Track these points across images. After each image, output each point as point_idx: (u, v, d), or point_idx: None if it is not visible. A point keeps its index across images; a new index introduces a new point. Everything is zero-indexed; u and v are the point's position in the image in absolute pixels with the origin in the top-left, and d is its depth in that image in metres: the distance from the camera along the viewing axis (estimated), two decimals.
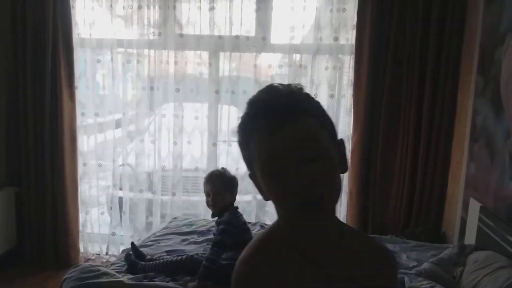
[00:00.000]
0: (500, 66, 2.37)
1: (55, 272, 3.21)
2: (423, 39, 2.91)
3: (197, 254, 2.27)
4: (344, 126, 3.23)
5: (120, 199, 3.52)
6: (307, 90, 3.07)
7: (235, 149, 3.37)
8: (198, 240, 2.55)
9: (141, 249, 2.34)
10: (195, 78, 3.40)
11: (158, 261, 2.19)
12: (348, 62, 3.16)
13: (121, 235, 3.53)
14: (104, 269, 2.03)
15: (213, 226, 2.77)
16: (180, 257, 2.19)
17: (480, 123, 2.59)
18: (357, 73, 3.07)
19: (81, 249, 3.49)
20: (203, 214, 3.48)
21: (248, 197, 3.43)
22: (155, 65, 3.33)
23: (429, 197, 3.06)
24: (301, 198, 0.70)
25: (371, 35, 2.98)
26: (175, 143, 3.38)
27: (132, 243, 2.36)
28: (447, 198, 3.07)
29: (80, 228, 3.47)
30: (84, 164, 3.47)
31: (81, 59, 3.40)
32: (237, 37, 3.22)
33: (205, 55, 3.33)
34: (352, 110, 3.13)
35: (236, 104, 3.36)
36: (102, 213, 3.60)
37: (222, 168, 2.34)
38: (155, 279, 2.04)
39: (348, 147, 3.19)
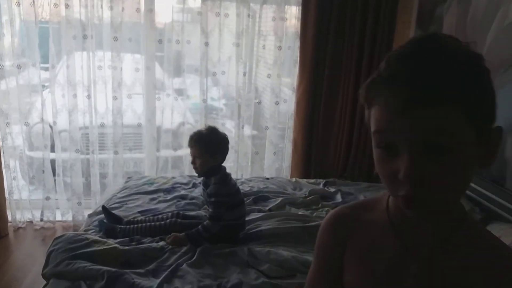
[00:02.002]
0: (441, 23, 2.65)
1: None
2: None
3: (177, 213, 2.22)
4: (290, 78, 3.32)
5: (53, 161, 3.19)
6: (254, 40, 3.06)
7: (180, 103, 3.27)
8: (167, 198, 2.49)
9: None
10: (134, 26, 3.13)
11: (140, 225, 2.10)
12: (295, 13, 3.20)
13: (56, 199, 3.24)
14: (92, 237, 1.89)
15: (176, 183, 2.73)
16: (163, 222, 2.12)
17: None
18: (303, 25, 3.14)
19: (9, 218, 3.13)
20: (147, 171, 3.36)
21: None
22: (87, 11, 2.97)
23: (364, 144, 3.36)
24: (404, 191, 0.61)
25: None
26: (114, 98, 3.13)
27: (104, 207, 2.22)
28: None
29: (7, 195, 3.09)
30: (7, 124, 3.04)
31: None
32: None
33: (144, 0, 3.06)
34: (298, 61, 3.22)
35: (180, 55, 3.20)
36: (14, 178, 3.16)
37: (209, 127, 2.10)
38: (143, 242, 1.97)
39: (293, 98, 3.32)
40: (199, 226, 2.01)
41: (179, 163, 3.44)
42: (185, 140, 3.06)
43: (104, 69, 3.10)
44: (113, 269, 1.70)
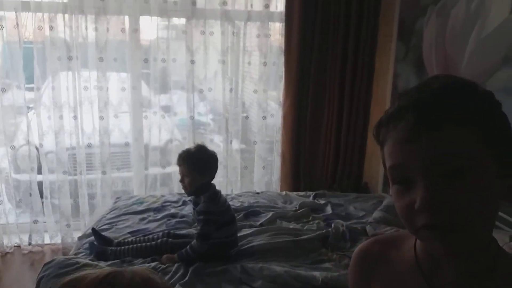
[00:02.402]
0: (421, 36, 2.72)
1: None
2: (346, 9, 3.14)
3: (168, 233, 2.22)
4: (276, 92, 3.36)
5: (40, 183, 3.16)
6: (240, 57, 3.09)
7: (168, 120, 3.27)
8: (157, 217, 2.48)
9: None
10: (119, 45, 3.14)
11: (131, 246, 2.09)
12: (279, 30, 3.25)
13: (45, 222, 3.20)
14: (83, 260, 1.87)
15: (166, 202, 2.72)
16: (154, 242, 2.11)
17: (401, 85, 2.95)
18: (287, 41, 3.19)
19: None
20: (136, 190, 3.34)
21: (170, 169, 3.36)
22: (71, 32, 2.97)
23: (351, 154, 3.41)
24: (424, 220, 0.59)
25: (300, 2, 3.10)
26: (101, 118, 3.12)
27: (93, 229, 2.20)
28: (366, 154, 3.46)
29: None
30: None
31: None
32: (164, 1, 3.05)
33: (129, 20, 3.08)
34: (284, 76, 3.26)
35: (166, 72, 3.22)
36: (1, 202, 3.10)
37: (198, 145, 2.09)
38: (135, 263, 1.96)
39: (280, 112, 3.35)
40: (187, 247, 2.00)
41: (168, 181, 3.43)
42: (173, 157, 3.08)
43: (90, 90, 3.09)
44: None
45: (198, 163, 2.04)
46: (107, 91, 3.10)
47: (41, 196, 3.18)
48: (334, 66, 3.24)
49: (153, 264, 1.95)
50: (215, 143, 3.40)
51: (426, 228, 0.59)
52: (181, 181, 2.08)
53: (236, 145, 3.46)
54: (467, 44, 2.25)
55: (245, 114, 3.48)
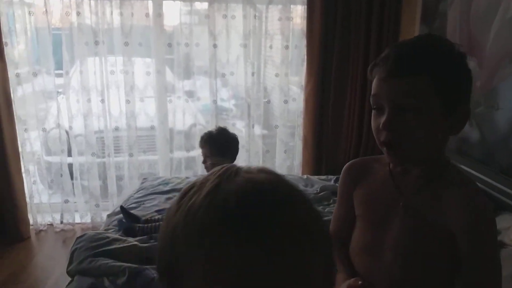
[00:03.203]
0: (445, 18, 2.68)
1: (6, 249, 2.96)
2: None
3: None
4: (298, 76, 3.37)
5: (70, 165, 3.29)
6: (262, 41, 3.09)
7: (191, 105, 3.34)
8: None
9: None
10: (144, 30, 3.21)
11: (158, 223, 2.17)
12: (301, 13, 3.25)
13: (75, 202, 3.34)
14: (112, 235, 1.97)
15: (190, 183, 2.80)
16: None
17: None
18: (309, 24, 3.19)
19: (31, 221, 3.24)
20: (162, 173, 3.44)
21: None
22: (97, 17, 3.06)
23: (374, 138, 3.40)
24: (383, 137, 0.86)
25: None
26: (127, 101, 3.21)
27: (122, 207, 2.30)
28: None
29: (28, 199, 3.20)
30: (25, 130, 3.15)
31: (9, 13, 2.97)
32: None
33: (152, 4, 3.14)
34: (306, 60, 3.27)
35: (189, 58, 3.28)
36: (35, 182, 3.26)
37: (219, 127, 2.17)
38: None
39: (302, 96, 3.37)
40: None
41: (192, 164, 3.51)
42: (197, 141, 3.15)
43: (117, 74, 3.19)
44: (134, 265, 1.77)
45: (219, 145, 2.11)
46: (133, 75, 3.19)
47: (71, 178, 3.32)
48: (356, 49, 3.22)
49: None
50: (237, 128, 3.46)
51: (384, 144, 0.87)
52: (204, 162, 2.15)
53: (258, 130, 3.51)
54: (492, 25, 2.22)
55: (266, 99, 3.52)
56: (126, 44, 3.12)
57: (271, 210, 0.42)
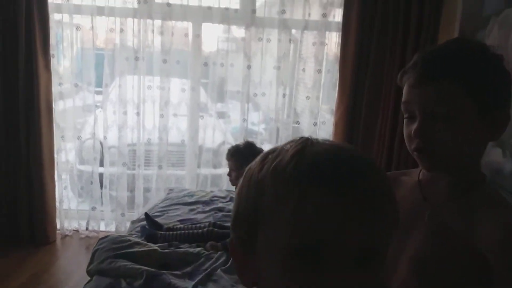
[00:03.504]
0: None
1: (32, 251, 3.04)
2: (405, 21, 3.13)
3: (214, 223, 2.31)
4: (330, 100, 3.39)
5: (101, 174, 3.39)
6: (295, 64, 3.14)
7: (221, 123, 3.40)
8: (205, 210, 2.59)
9: None
10: (182, 49, 3.33)
11: (178, 232, 2.20)
12: (335, 39, 3.30)
13: (102, 211, 3.42)
14: (134, 239, 2.00)
15: (214, 197, 2.82)
16: (200, 230, 2.21)
17: None
18: (343, 49, 3.22)
19: (58, 226, 3.33)
20: (188, 187, 3.48)
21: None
22: (139, 35, 3.21)
23: (405, 163, 3.32)
24: (414, 145, 0.83)
25: (358, 13, 3.14)
26: (161, 116, 3.31)
27: (146, 214, 2.34)
28: None
29: (57, 204, 3.30)
30: (62, 138, 3.28)
31: (58, 26, 3.17)
32: (226, 9, 3.21)
33: (191, 26, 3.27)
34: (338, 84, 3.29)
35: (223, 80, 3.36)
36: (65, 187, 3.38)
37: (246, 141, 2.28)
38: (181, 247, 2.06)
39: (332, 120, 3.37)
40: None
41: (218, 181, 3.54)
42: (225, 160, 3.20)
43: (153, 89, 3.30)
44: (152, 269, 1.79)
45: (246, 158, 2.12)
46: (168, 91, 3.30)
47: (101, 187, 3.41)
48: (390, 77, 3.22)
49: (197, 249, 2.03)
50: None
51: (415, 150, 0.83)
52: (229, 175, 2.17)
53: None
54: None
55: (296, 122, 3.52)
56: (165, 61, 3.24)
57: (361, 167, 0.47)
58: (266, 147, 3.52)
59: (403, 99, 0.85)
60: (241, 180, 0.53)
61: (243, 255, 0.51)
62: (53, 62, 3.14)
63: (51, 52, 3.11)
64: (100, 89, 3.34)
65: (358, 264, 0.45)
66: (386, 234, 0.47)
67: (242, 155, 2.15)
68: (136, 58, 3.23)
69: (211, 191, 2.96)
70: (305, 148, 0.48)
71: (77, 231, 3.40)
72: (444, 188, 0.88)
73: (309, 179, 0.44)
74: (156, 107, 3.32)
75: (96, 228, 3.40)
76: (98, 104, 3.40)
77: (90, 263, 1.90)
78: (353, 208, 0.44)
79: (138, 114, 3.31)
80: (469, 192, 0.84)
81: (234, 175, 2.15)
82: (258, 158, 0.52)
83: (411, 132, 0.82)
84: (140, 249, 1.91)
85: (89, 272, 1.87)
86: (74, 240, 3.31)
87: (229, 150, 2.19)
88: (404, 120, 0.86)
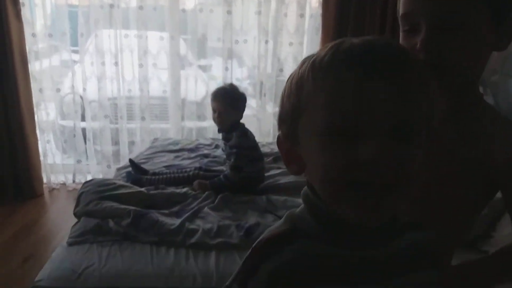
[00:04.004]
0: None
1: (19, 205, 3.03)
2: None
3: (200, 167, 2.32)
4: (313, 45, 3.34)
5: (84, 129, 3.35)
6: (277, 9, 3.02)
7: (204, 75, 3.35)
8: (191, 156, 2.59)
9: None
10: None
11: (164, 176, 2.21)
12: None
13: (87, 164, 3.40)
14: (119, 182, 2.01)
15: (200, 144, 2.83)
16: (186, 174, 2.22)
17: None
18: None
19: (44, 180, 3.32)
20: None
21: None
22: None
23: None
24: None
25: None
26: (140, 66, 3.24)
27: (131, 160, 2.34)
28: None
29: (42, 158, 3.28)
30: (40, 90, 3.21)
31: None
32: None
33: None
34: (321, 29, 3.24)
35: (204, 25, 3.28)
36: (48, 142, 3.34)
37: (230, 84, 2.27)
38: (167, 189, 2.07)
39: None
40: (221, 176, 2.10)
41: (204, 133, 3.52)
42: (208, 111, 3.20)
43: (130, 38, 3.21)
44: (139, 208, 1.81)
45: (233, 99, 2.14)
46: (146, 39, 3.20)
47: (85, 142, 3.37)
48: (373, 20, 3.17)
49: (184, 189, 2.05)
50: (251, 106, 3.43)
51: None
52: (217, 117, 2.17)
53: (269, 108, 3.48)
54: None
55: (279, 70, 3.47)
56: (141, 8, 3.13)
57: (395, 52, 0.50)
58: (252, 102, 3.49)
59: (403, 11, 0.76)
60: (285, 83, 0.56)
61: (289, 147, 0.56)
62: (25, 13, 3.01)
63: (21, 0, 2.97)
64: (76, 48, 3.23)
65: (392, 137, 0.47)
66: (420, 117, 0.50)
67: (229, 95, 2.16)
68: (111, 6, 3.11)
69: (197, 140, 2.96)
70: (342, 42, 0.51)
71: (64, 184, 3.39)
72: (443, 110, 0.79)
73: (344, 63, 0.48)
74: (134, 57, 3.24)
75: (83, 181, 3.33)
76: (75, 60, 3.30)
77: (76, 205, 1.91)
78: (385, 88, 0.47)
79: (116, 64, 3.23)
80: (470, 112, 0.79)
81: (222, 117, 2.15)
82: (299, 64, 0.55)
83: (414, 45, 0.73)
84: (126, 191, 1.92)
85: (76, 214, 1.89)
86: (61, 193, 3.31)
87: (217, 92, 2.19)
88: (401, 34, 0.78)
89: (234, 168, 2.10)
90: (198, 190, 2.06)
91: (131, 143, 3.43)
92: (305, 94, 0.51)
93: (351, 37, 0.53)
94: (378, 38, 0.51)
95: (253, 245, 0.56)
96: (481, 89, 0.83)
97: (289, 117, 0.54)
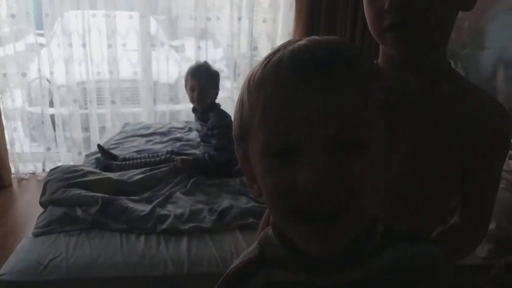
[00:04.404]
0: None
1: None
2: None
3: (172, 151, 2.25)
4: (287, 22, 3.27)
5: (52, 116, 3.22)
6: None
7: (176, 55, 3.25)
8: (163, 140, 2.52)
9: None
10: None
11: (135, 161, 2.14)
12: None
13: (57, 152, 3.29)
14: (87, 168, 1.93)
15: (172, 128, 2.75)
16: (158, 158, 2.15)
17: None
18: None
19: (13, 170, 3.19)
20: None
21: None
22: None
23: None
24: (389, 20, 0.68)
25: None
26: (109, 46, 3.11)
27: (99, 145, 2.25)
28: None
29: (9, 147, 3.14)
30: (4, 75, 3.05)
31: None
32: None
33: None
34: (294, 5, 3.16)
35: (173, 4, 3.16)
36: (15, 129, 3.20)
37: (205, 61, 2.22)
38: (138, 175, 2.00)
39: None
40: (205, 155, 2.05)
41: (178, 116, 3.43)
42: (182, 93, 3.11)
43: (98, 17, 3.07)
44: (107, 195, 1.74)
45: (212, 77, 2.10)
46: (115, 18, 3.07)
47: (54, 128, 3.25)
48: None
49: (156, 173, 1.99)
50: (225, 87, 3.35)
51: (391, 27, 0.68)
52: (196, 95, 2.10)
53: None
54: None
55: (253, 49, 3.39)
56: None
57: (328, 58, 0.43)
58: (227, 84, 3.41)
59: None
60: None
61: (248, 168, 0.51)
62: None
63: None
64: (41, 31, 3.07)
65: (333, 156, 0.42)
66: (364, 120, 0.44)
67: (208, 73, 2.11)
68: None
69: (169, 123, 2.88)
70: (277, 51, 0.46)
71: (33, 174, 3.27)
72: (413, 80, 0.75)
73: (273, 77, 0.44)
74: (103, 37, 3.11)
75: None
76: (42, 43, 3.14)
77: (43, 194, 1.83)
78: (317, 98, 0.42)
79: (84, 45, 3.09)
80: (441, 83, 0.74)
81: (202, 95, 2.09)
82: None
83: (382, 7, 0.67)
84: (94, 178, 1.85)
85: (42, 204, 1.81)
86: (31, 183, 3.19)
87: (194, 70, 2.12)
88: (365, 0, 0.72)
89: (218, 148, 2.04)
90: (180, 166, 2.01)
91: (102, 129, 3.32)
92: (245, 114, 0.48)
93: (296, 39, 0.48)
94: (319, 41, 0.45)
95: (222, 277, 0.53)
96: (452, 64, 0.77)
97: (238, 137, 0.50)
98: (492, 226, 1.40)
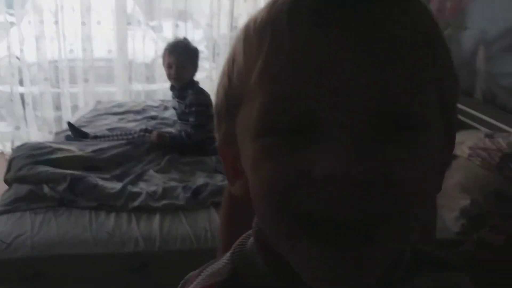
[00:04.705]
0: None
1: None
2: None
3: (146, 129, 2.18)
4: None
5: (22, 95, 3.09)
6: None
7: (153, 34, 3.16)
8: (137, 118, 2.44)
9: None
10: None
11: (106, 138, 2.07)
12: None
13: (27, 131, 3.17)
14: (55, 145, 1.85)
15: (147, 106, 2.68)
16: (131, 136, 2.08)
17: None
18: None
19: None
20: None
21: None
22: None
23: None
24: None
25: None
26: (83, 24, 2.99)
27: (69, 123, 2.18)
28: None
29: None
30: None
31: None
32: None
33: None
34: None
35: None
36: None
37: (184, 38, 2.16)
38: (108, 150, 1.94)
39: None
40: (182, 133, 1.99)
41: (154, 96, 3.35)
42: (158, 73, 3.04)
43: None
44: (76, 172, 1.67)
45: (191, 53, 2.04)
46: None
47: (23, 107, 3.12)
48: None
49: (128, 148, 1.93)
50: (204, 67, 3.28)
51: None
52: (174, 72, 2.04)
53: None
54: None
55: (234, 28, 3.33)
56: None
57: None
58: (206, 64, 3.33)
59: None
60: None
61: (232, 158, 0.36)
62: None
63: None
64: (12, 11, 2.93)
65: (373, 137, 0.27)
66: (419, 92, 0.29)
67: (187, 49, 2.05)
68: None
69: (144, 102, 2.80)
70: None
71: (2, 153, 3.16)
72: None
73: (285, 16, 0.29)
74: (76, 15, 2.99)
75: None
76: (12, 21, 2.99)
77: (7, 171, 1.75)
78: (351, 50, 0.27)
79: (56, 23, 2.97)
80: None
81: (181, 72, 2.02)
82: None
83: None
84: (62, 155, 1.77)
85: (6, 181, 1.73)
86: None
87: (173, 46, 2.05)
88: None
89: (196, 126, 1.99)
90: (155, 141, 1.95)
91: (75, 108, 3.20)
92: (236, 77, 0.32)
93: None
94: None
95: None
96: None
97: (222, 110, 0.36)
98: (466, 201, 1.41)
